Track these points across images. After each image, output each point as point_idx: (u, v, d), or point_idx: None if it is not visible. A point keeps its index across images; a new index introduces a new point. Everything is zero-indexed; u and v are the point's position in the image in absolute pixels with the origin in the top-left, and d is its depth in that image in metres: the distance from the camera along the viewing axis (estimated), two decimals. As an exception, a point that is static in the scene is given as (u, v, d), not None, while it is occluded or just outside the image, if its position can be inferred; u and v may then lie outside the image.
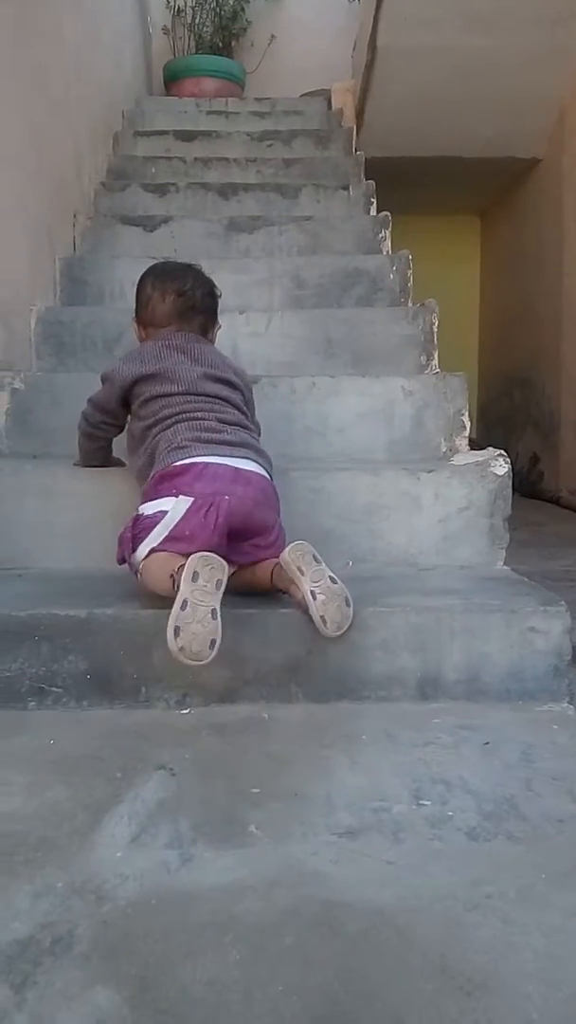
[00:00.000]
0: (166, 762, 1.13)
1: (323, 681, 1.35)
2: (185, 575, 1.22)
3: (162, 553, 1.36)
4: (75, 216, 2.92)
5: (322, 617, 1.27)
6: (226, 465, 1.41)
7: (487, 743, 1.20)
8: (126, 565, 1.43)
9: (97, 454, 1.70)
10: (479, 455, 1.83)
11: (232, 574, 1.43)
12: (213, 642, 1.20)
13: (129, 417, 1.58)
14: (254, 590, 1.40)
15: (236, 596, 1.41)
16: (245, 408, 1.60)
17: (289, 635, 1.35)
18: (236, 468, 1.42)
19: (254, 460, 1.46)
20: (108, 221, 2.99)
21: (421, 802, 1.04)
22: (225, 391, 1.54)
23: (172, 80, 5.10)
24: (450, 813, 1.01)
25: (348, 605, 1.29)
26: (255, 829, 0.97)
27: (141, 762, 1.13)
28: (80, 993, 0.71)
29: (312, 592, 1.27)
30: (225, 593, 1.42)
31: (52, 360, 2.36)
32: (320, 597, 1.27)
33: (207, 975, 0.74)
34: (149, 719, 1.29)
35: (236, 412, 1.54)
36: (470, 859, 0.92)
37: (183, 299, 1.61)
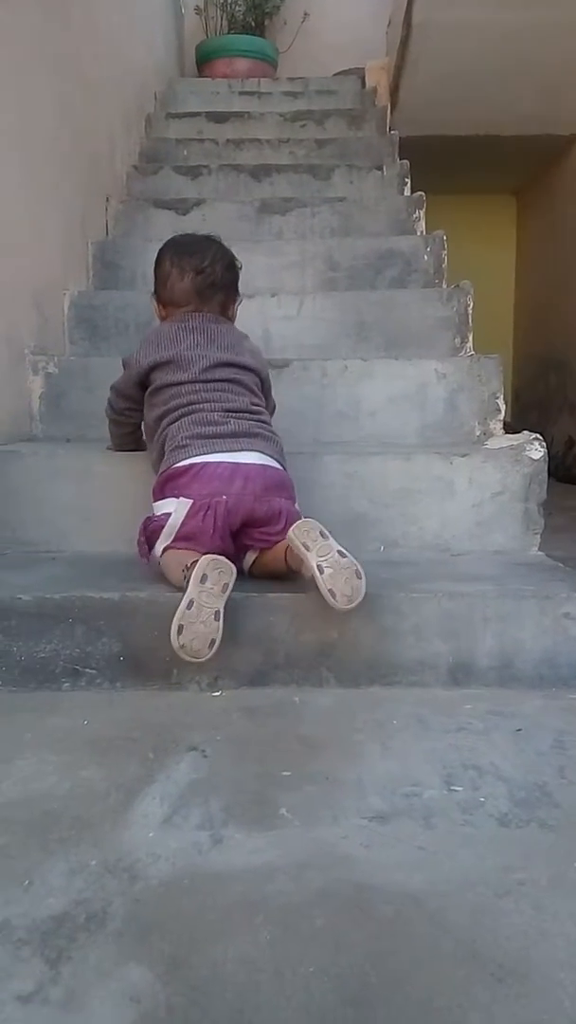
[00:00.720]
0: (198, 744, 1.14)
1: (354, 666, 1.35)
2: (194, 576, 1.24)
3: (175, 551, 1.39)
4: (108, 200, 2.92)
5: (330, 590, 1.25)
6: (224, 462, 1.41)
7: (519, 730, 1.19)
8: (147, 561, 1.47)
9: (128, 439, 1.71)
10: (514, 439, 1.80)
11: (254, 560, 1.45)
12: (213, 642, 1.23)
13: (144, 405, 1.59)
14: (275, 575, 1.40)
15: (268, 580, 1.42)
16: (259, 391, 1.58)
17: (320, 619, 1.35)
18: (235, 464, 1.42)
19: (257, 451, 1.45)
20: (141, 204, 2.99)
21: (452, 788, 1.03)
22: (237, 374, 1.53)
23: (204, 61, 5.07)
24: (482, 799, 1.01)
25: (359, 577, 1.26)
26: (286, 812, 0.98)
27: (173, 743, 1.14)
28: (114, 969, 0.73)
29: (319, 566, 1.26)
30: (255, 579, 1.43)
31: (85, 344, 2.37)
32: (327, 571, 1.25)
33: (238, 954, 0.74)
34: (181, 701, 1.30)
35: (246, 397, 1.53)
36: (502, 845, 0.92)
37: (202, 276, 1.57)
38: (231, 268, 1.63)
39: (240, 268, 1.66)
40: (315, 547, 1.28)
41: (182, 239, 1.65)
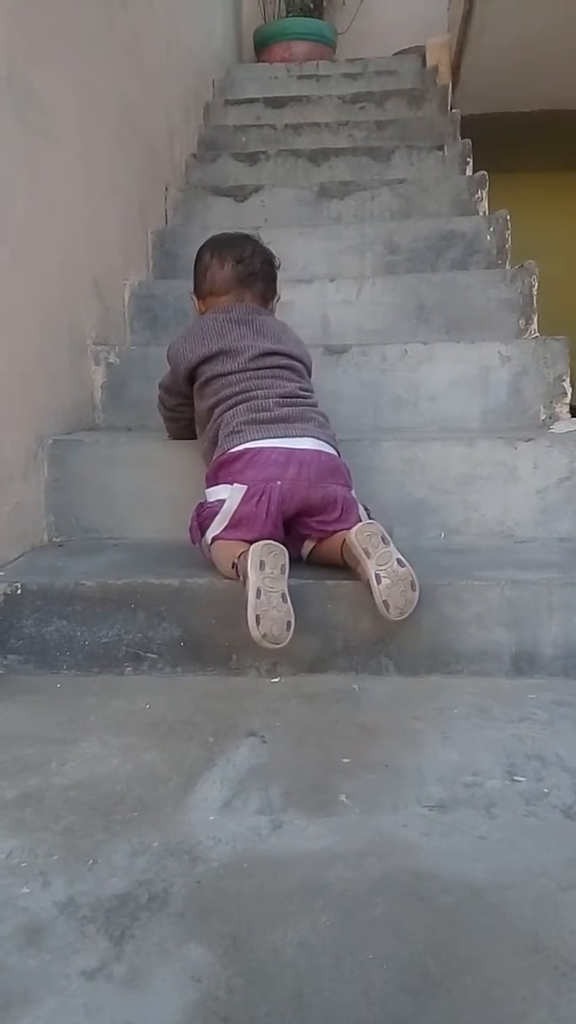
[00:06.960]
0: (257, 729, 1.15)
1: (414, 654, 1.34)
2: (252, 564, 1.24)
3: (224, 541, 1.39)
4: (167, 188, 2.93)
5: (385, 602, 1.25)
6: (279, 448, 1.41)
7: (585, 721, 1.16)
8: (198, 546, 1.47)
9: (185, 431, 1.72)
10: (580, 423, 1.76)
11: (312, 549, 1.45)
12: (289, 624, 1.23)
13: (195, 397, 1.60)
14: (331, 563, 1.39)
15: (326, 567, 1.41)
16: (306, 375, 1.59)
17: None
18: (290, 449, 1.41)
19: (312, 436, 1.45)
20: (199, 192, 2.99)
21: (515, 778, 1.01)
22: (285, 361, 1.54)
23: (262, 46, 5.04)
24: (545, 790, 0.99)
25: (413, 589, 1.26)
26: (345, 799, 0.97)
27: (233, 728, 1.15)
28: (176, 949, 0.74)
29: (377, 575, 1.25)
30: (313, 566, 1.43)
31: (145, 334, 2.39)
32: (385, 581, 1.25)
33: (298, 938, 0.75)
34: (240, 686, 1.31)
35: (296, 383, 1.54)
36: (566, 837, 0.90)
37: (242, 265, 1.61)
38: (270, 263, 1.65)
39: (279, 267, 1.68)
40: (376, 554, 1.27)
41: (221, 236, 1.70)
